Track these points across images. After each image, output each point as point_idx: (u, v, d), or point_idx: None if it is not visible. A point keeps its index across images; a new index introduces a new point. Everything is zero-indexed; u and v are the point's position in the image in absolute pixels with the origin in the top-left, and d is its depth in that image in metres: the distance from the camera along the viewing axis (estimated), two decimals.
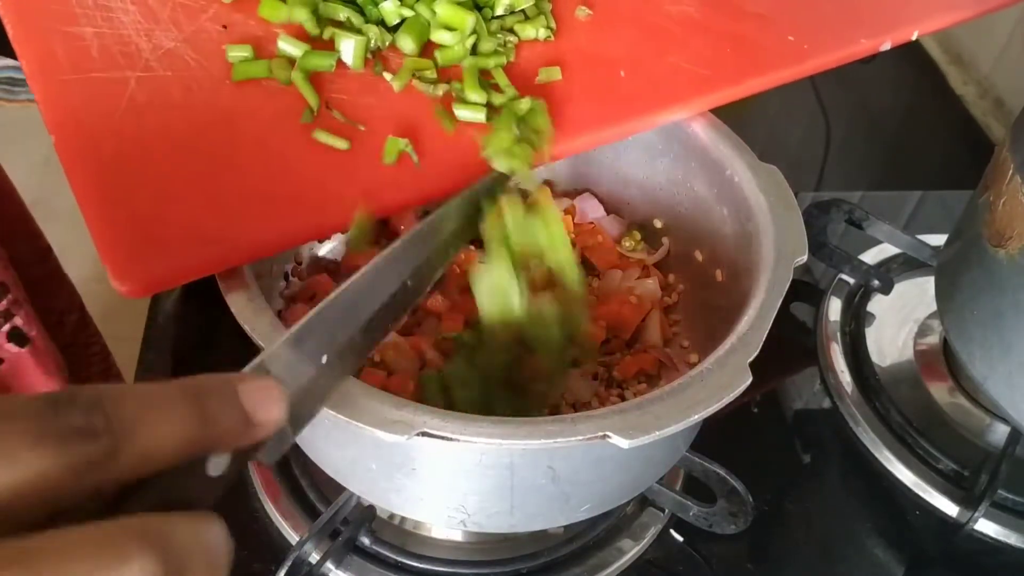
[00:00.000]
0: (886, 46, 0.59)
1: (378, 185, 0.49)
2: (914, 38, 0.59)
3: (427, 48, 0.55)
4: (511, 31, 0.57)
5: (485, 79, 0.54)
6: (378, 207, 0.49)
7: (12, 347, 0.72)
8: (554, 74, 0.55)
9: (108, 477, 0.22)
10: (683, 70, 0.56)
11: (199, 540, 0.22)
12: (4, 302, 0.70)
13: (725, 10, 0.59)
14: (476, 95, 0.52)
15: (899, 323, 0.74)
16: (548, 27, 0.57)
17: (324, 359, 0.34)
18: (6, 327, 0.71)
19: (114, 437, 0.22)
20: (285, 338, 0.33)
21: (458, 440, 0.41)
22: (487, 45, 0.55)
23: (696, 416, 0.43)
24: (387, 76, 0.54)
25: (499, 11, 0.56)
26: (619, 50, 0.57)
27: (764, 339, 0.46)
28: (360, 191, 0.48)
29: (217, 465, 0.27)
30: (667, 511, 0.59)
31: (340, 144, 0.50)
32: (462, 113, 0.52)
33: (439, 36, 0.54)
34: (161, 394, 0.24)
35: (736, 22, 0.59)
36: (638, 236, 0.65)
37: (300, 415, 0.33)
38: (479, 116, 0.52)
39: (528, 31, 0.57)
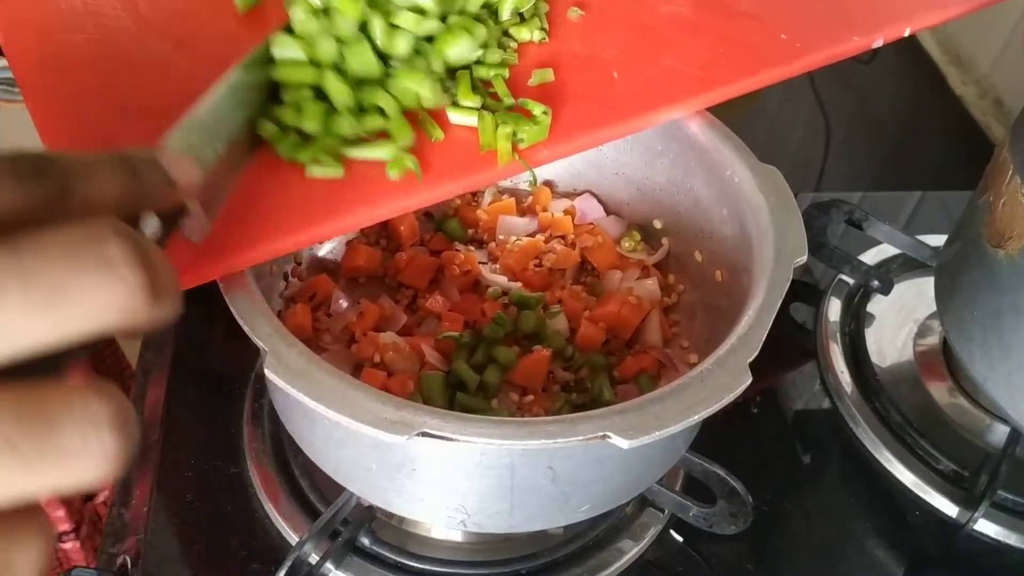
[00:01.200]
0: (878, 43, 0.59)
1: (379, 192, 0.49)
2: (906, 35, 0.59)
3: None
4: (506, 33, 0.57)
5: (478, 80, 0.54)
6: (378, 212, 0.49)
7: None
8: (547, 76, 0.55)
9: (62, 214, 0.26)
10: (676, 70, 0.56)
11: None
12: None
13: (717, 10, 0.59)
14: (469, 100, 0.52)
15: (899, 323, 0.74)
16: (542, 29, 0.57)
17: (216, 150, 0.42)
18: None
19: (64, 177, 0.25)
20: (175, 131, 0.40)
21: (458, 440, 0.41)
22: (493, 57, 0.54)
23: (696, 416, 0.43)
24: None
25: (504, 16, 0.56)
26: (612, 51, 0.57)
27: (764, 339, 0.46)
28: (360, 198, 0.48)
29: (148, 225, 0.33)
30: (667, 511, 0.59)
31: (334, 174, 0.49)
32: (455, 117, 0.52)
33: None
34: (94, 154, 0.28)
35: (728, 21, 0.59)
36: (638, 237, 0.65)
37: (211, 198, 0.42)
38: (472, 120, 0.52)
39: (523, 33, 0.57)
